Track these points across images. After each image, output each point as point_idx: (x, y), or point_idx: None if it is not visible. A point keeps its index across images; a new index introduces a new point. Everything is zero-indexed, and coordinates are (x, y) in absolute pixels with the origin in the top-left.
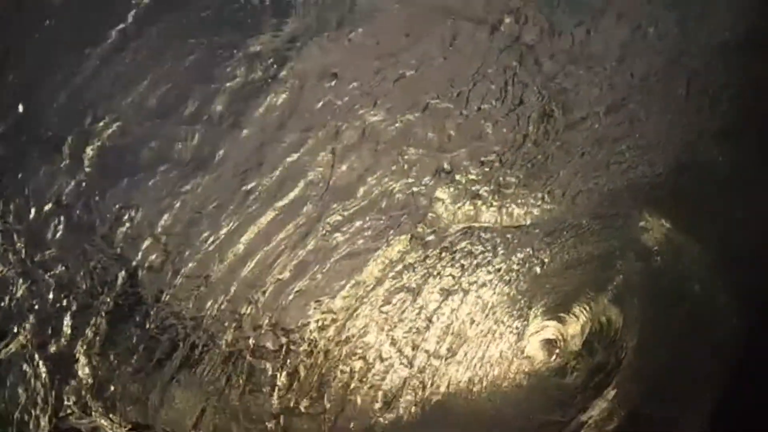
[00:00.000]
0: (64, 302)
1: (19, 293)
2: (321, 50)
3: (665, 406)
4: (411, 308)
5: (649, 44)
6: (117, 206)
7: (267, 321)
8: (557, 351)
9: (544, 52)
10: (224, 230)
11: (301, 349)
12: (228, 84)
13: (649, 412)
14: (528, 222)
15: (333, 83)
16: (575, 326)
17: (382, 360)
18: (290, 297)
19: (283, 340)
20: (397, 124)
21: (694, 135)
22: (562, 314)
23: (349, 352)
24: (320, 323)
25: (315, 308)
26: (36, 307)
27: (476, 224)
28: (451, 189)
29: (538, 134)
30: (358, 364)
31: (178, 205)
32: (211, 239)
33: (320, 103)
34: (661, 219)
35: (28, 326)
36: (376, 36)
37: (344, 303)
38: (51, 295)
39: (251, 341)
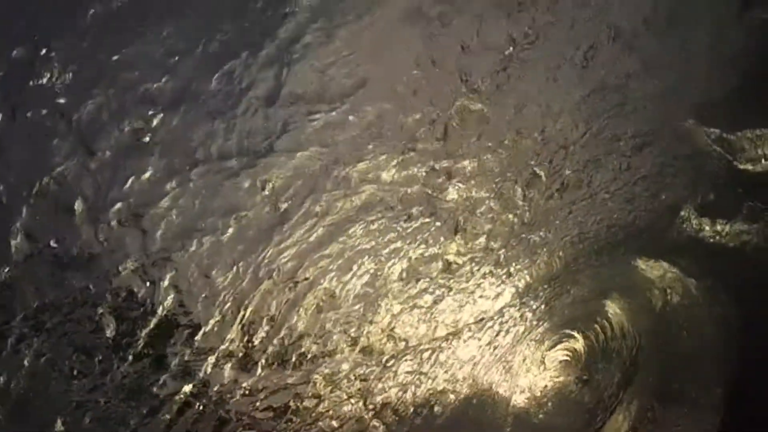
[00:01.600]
0: None
1: None
2: (198, 253)
3: (674, 408)
4: (366, 409)
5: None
6: None
7: None
8: (570, 368)
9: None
10: (146, 411)
11: None
12: (115, 312)
13: (660, 415)
14: (496, 308)
15: (222, 272)
16: (579, 344)
17: None
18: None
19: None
20: (316, 267)
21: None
22: (562, 339)
23: None
24: None
25: None
26: None
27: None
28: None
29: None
30: None
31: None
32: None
33: (215, 292)
34: (657, 258)
35: None
36: (258, 219)
37: (287, 426)
38: None
39: None
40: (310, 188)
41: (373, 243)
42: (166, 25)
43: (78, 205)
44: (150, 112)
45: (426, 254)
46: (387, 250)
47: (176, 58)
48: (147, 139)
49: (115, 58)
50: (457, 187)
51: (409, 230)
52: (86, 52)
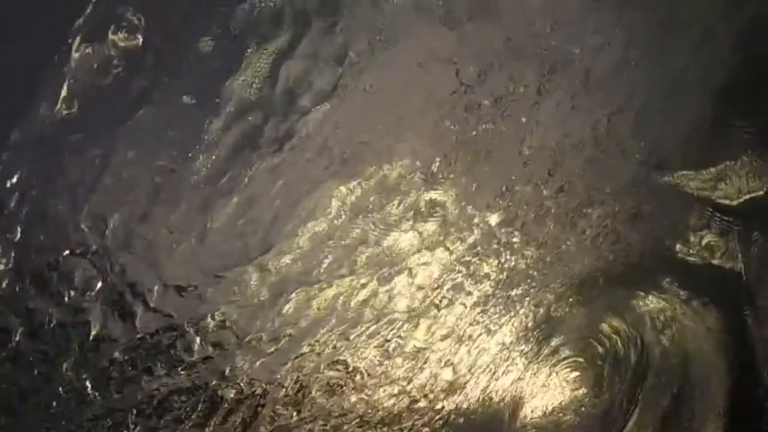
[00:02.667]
0: None
1: None
2: (158, 392)
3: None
4: None
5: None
6: None
7: None
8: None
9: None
10: None
11: None
12: None
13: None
14: (479, 365)
15: (183, 399)
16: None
17: None
18: None
19: None
20: (274, 381)
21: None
22: (560, 363)
23: None
24: None
25: None
26: None
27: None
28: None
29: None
30: None
31: None
32: None
33: (178, 418)
34: (645, 284)
35: None
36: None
37: None
38: None
39: None
40: (253, 321)
41: (330, 350)
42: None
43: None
44: (85, 278)
45: (392, 346)
46: (346, 353)
47: (101, 221)
48: (86, 306)
49: (44, 241)
50: (412, 283)
51: (368, 332)
52: (20, 246)
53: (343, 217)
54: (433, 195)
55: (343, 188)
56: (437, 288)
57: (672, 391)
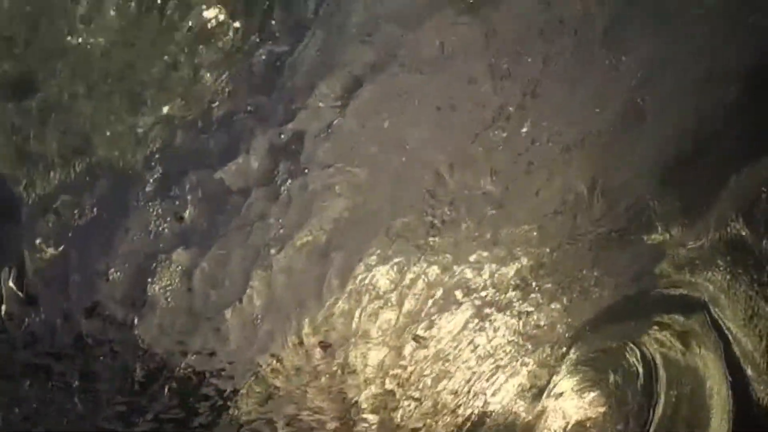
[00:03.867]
0: None
1: None
2: None
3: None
4: None
5: None
6: None
7: None
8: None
9: None
10: None
11: None
12: None
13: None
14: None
15: None
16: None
17: None
18: None
19: None
20: None
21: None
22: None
23: None
24: None
25: None
26: None
27: None
28: None
29: None
30: None
31: None
32: None
33: None
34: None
35: None
36: None
37: None
38: None
39: None
40: None
41: None
42: None
43: None
44: None
45: None
46: None
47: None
48: None
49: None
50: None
51: None
52: None
53: (292, 379)
54: (388, 316)
55: (275, 361)
56: (407, 389)
57: (683, 389)
